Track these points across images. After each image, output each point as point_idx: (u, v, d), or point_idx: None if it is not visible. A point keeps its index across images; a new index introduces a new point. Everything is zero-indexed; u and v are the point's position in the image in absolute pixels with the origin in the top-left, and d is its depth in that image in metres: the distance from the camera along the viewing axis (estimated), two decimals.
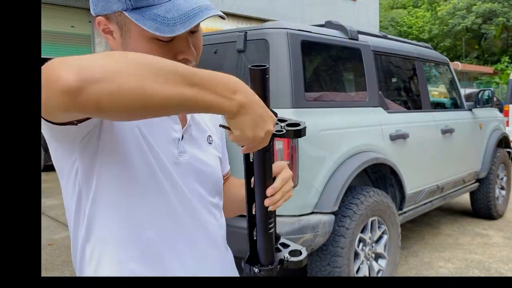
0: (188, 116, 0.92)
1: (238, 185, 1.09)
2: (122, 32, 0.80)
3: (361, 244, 2.83)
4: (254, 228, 0.84)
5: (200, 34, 0.85)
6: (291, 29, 2.63)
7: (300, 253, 0.86)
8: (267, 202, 0.79)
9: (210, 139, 0.97)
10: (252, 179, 0.81)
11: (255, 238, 0.84)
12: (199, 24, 0.78)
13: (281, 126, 0.77)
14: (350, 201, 2.74)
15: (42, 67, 0.61)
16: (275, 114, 0.76)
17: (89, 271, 0.84)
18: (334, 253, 2.62)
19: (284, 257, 0.85)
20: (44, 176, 7.95)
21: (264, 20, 10.32)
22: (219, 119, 1.07)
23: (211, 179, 0.94)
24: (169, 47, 0.80)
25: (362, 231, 2.83)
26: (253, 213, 0.84)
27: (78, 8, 9.46)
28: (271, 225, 0.83)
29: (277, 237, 0.88)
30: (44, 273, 3.52)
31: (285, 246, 0.88)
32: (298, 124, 0.77)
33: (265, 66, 0.72)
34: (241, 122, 0.68)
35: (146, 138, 0.83)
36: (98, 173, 0.80)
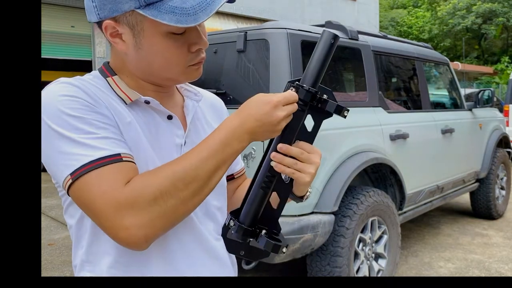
0: (188, 120, 0.90)
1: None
2: (134, 32, 0.77)
3: (361, 244, 2.83)
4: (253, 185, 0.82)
5: (204, 24, 0.83)
6: (291, 29, 2.63)
7: (280, 241, 0.78)
8: (273, 154, 0.78)
9: None
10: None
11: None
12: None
13: (326, 96, 0.81)
14: (350, 201, 2.74)
15: (74, 187, 0.72)
16: (330, 91, 0.82)
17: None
18: (334, 253, 2.62)
19: (263, 232, 0.79)
20: (44, 176, 7.94)
21: (264, 20, 10.32)
22: (225, 115, 1.04)
23: None
24: (183, 40, 0.79)
25: (362, 231, 2.83)
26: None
27: (78, 8, 9.46)
28: (266, 184, 0.79)
29: (278, 229, 0.83)
30: (44, 273, 3.52)
31: (275, 232, 0.82)
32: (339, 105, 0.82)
33: (336, 34, 0.79)
34: (259, 138, 0.77)
35: (152, 144, 0.82)
36: None
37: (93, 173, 0.69)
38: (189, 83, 0.95)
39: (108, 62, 0.87)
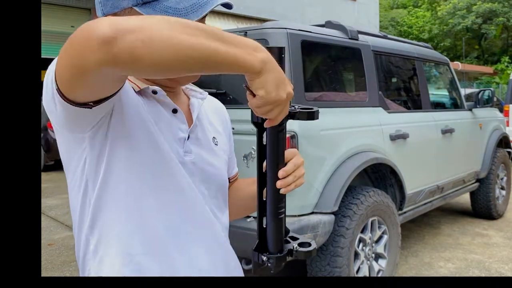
0: (194, 116, 0.92)
1: (247, 183, 1.09)
2: None
3: (361, 244, 2.83)
4: (264, 215, 0.84)
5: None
6: (291, 29, 2.63)
7: (309, 244, 0.85)
8: (279, 183, 0.80)
9: (216, 140, 0.98)
10: (264, 163, 0.82)
11: (264, 226, 0.84)
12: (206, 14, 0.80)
13: (295, 107, 0.79)
14: (350, 201, 2.74)
15: (76, 32, 0.63)
16: None
17: (93, 265, 0.83)
18: (334, 253, 2.62)
19: (294, 247, 0.84)
20: (44, 176, 7.95)
21: (264, 20, 10.31)
22: (227, 120, 1.08)
23: (216, 180, 0.94)
24: None
25: (362, 231, 2.83)
26: (264, 199, 0.83)
27: (78, 8, 9.46)
28: (281, 210, 0.82)
29: (286, 231, 0.87)
30: (44, 273, 3.52)
31: (294, 239, 0.88)
32: (311, 108, 0.80)
33: (282, 46, 0.75)
34: (264, 80, 0.69)
35: (157, 133, 0.84)
36: (107, 161, 0.80)
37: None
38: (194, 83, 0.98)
39: None
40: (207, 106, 1.02)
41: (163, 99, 0.87)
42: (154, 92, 0.86)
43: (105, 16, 0.82)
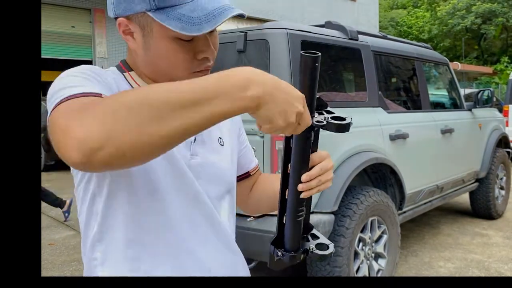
0: None
1: (271, 180, 1.08)
2: (144, 33, 0.80)
3: (361, 244, 2.83)
4: (284, 213, 0.83)
5: (217, 34, 0.86)
6: (291, 29, 2.63)
7: (327, 247, 0.84)
8: (300, 186, 0.78)
9: (221, 140, 0.97)
10: (289, 165, 0.80)
11: (284, 222, 0.83)
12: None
13: (325, 117, 0.75)
14: (350, 201, 2.74)
15: (49, 117, 0.66)
16: (325, 105, 0.76)
17: (99, 270, 0.84)
18: (334, 253, 2.62)
19: (310, 247, 0.84)
20: (44, 176, 7.95)
21: (264, 20, 10.31)
22: (234, 120, 1.06)
23: (223, 181, 0.94)
24: (190, 46, 0.81)
25: (362, 231, 2.83)
26: (286, 197, 0.82)
27: (78, 8, 9.46)
28: (300, 213, 0.82)
29: (310, 227, 0.87)
30: (44, 273, 3.52)
31: (315, 237, 0.87)
32: (343, 119, 0.75)
33: (318, 54, 0.71)
34: (264, 114, 0.65)
35: None
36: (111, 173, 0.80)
37: (67, 102, 0.66)
38: None
39: (125, 59, 0.91)
40: None
41: None
42: None
43: (117, 17, 0.82)
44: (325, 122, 0.74)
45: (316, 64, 0.71)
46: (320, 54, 0.71)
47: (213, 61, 0.86)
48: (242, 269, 0.98)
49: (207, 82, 0.63)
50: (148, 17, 0.78)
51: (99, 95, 0.69)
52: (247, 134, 1.12)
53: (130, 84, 0.85)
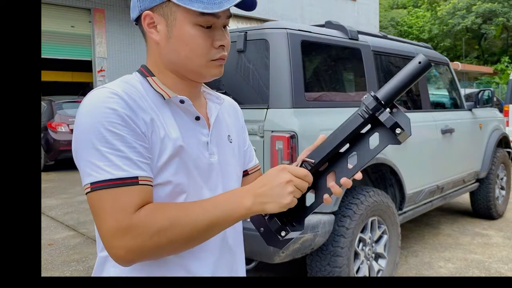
0: (212, 120, 0.97)
1: None
2: (168, 22, 0.87)
3: (361, 244, 2.83)
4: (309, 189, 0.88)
5: (228, 31, 0.93)
6: (291, 29, 2.63)
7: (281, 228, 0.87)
8: (343, 180, 0.87)
9: (230, 138, 1.02)
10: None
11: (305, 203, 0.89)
12: (229, 10, 0.89)
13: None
14: (350, 201, 2.74)
15: (88, 194, 0.79)
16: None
17: (111, 266, 0.87)
18: (334, 253, 2.62)
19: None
20: (44, 176, 7.94)
21: (264, 20, 10.31)
22: (239, 114, 1.12)
23: (233, 177, 1.00)
24: (209, 34, 0.88)
25: (362, 231, 2.83)
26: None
27: (78, 8, 9.46)
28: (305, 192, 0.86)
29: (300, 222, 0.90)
30: (44, 273, 3.52)
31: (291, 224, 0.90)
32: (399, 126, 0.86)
33: (429, 64, 0.80)
34: (261, 209, 0.80)
35: (183, 142, 0.88)
36: None
37: (109, 191, 0.77)
38: (206, 84, 1.03)
39: (146, 65, 0.95)
40: (223, 108, 1.06)
41: (189, 108, 0.91)
42: (182, 101, 0.90)
43: (142, 12, 0.88)
44: (388, 114, 0.83)
45: (423, 66, 0.81)
46: (431, 65, 0.82)
47: (227, 52, 0.92)
48: (241, 269, 1.01)
49: (216, 216, 0.81)
50: (172, 6, 0.86)
51: (134, 181, 0.79)
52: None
53: (154, 89, 0.90)
